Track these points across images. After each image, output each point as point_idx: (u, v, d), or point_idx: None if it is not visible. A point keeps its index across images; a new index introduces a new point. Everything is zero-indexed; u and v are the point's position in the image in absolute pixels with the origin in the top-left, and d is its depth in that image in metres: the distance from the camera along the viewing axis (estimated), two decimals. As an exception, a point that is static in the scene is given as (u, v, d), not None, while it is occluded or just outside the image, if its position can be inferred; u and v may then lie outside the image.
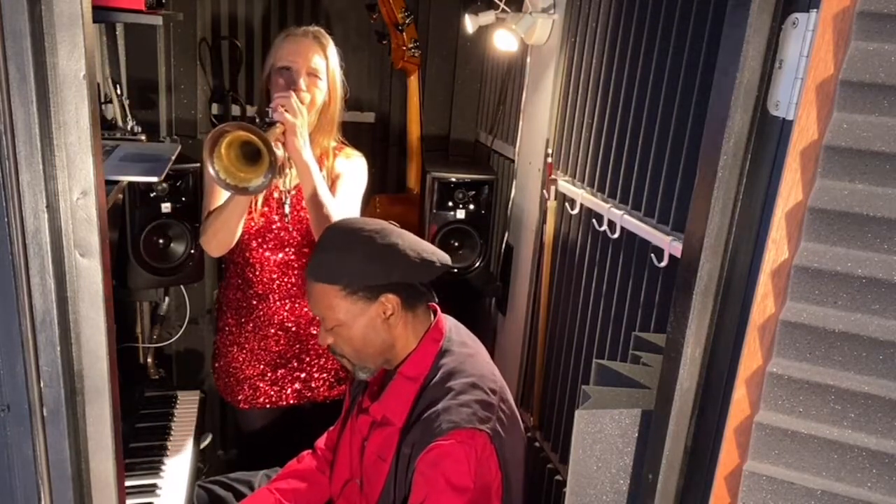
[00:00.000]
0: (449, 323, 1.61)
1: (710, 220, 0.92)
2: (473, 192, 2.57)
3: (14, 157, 0.90)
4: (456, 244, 2.59)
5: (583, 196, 1.97)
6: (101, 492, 1.08)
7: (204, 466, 2.27)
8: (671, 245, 1.51)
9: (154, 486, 1.81)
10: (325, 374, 2.16)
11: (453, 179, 2.56)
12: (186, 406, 2.23)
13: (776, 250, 0.88)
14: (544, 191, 2.20)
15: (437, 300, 1.61)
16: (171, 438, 2.04)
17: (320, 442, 1.82)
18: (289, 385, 2.13)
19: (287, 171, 1.99)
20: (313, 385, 2.15)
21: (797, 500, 0.90)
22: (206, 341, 2.93)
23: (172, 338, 2.63)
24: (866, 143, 0.83)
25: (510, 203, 2.57)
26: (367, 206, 2.48)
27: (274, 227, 1.99)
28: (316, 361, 2.14)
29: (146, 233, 2.17)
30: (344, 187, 2.00)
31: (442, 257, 1.53)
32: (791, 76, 0.85)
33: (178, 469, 1.90)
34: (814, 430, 0.89)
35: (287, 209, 1.98)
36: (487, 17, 2.34)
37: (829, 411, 0.89)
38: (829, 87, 0.84)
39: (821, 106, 0.84)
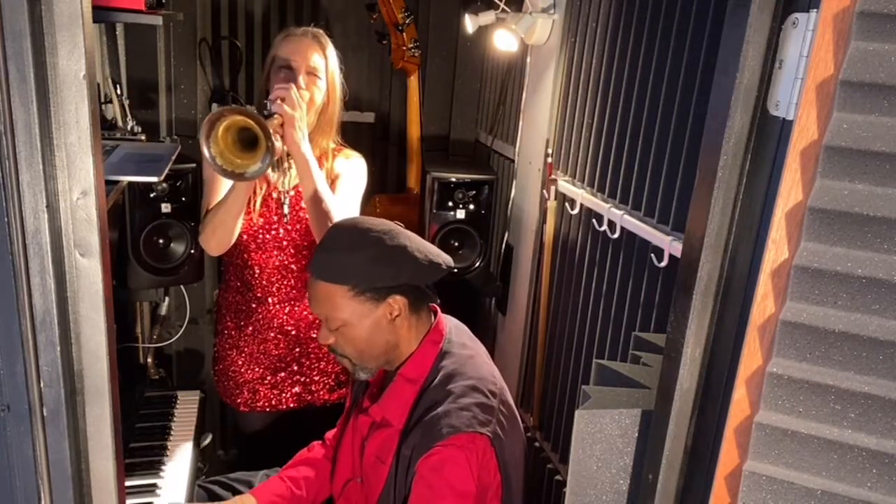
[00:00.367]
0: (449, 324, 1.61)
1: (710, 220, 0.92)
2: (473, 192, 2.57)
3: (14, 157, 0.90)
4: (456, 244, 2.60)
5: (583, 196, 1.97)
6: (101, 492, 1.08)
7: (204, 466, 2.27)
8: (671, 245, 1.51)
9: (154, 486, 1.81)
10: (325, 378, 2.15)
11: (453, 179, 2.56)
12: (186, 406, 2.23)
13: (776, 250, 0.88)
14: (544, 191, 2.20)
15: (439, 302, 1.61)
16: (171, 438, 2.04)
17: (329, 433, 1.83)
18: (289, 389, 2.13)
19: (286, 171, 1.99)
20: (313, 389, 2.15)
21: (797, 500, 0.90)
22: (206, 341, 2.93)
23: (172, 338, 2.63)
24: (866, 143, 0.83)
25: (510, 203, 2.57)
26: (367, 206, 2.47)
27: (273, 228, 1.99)
28: (316, 365, 2.13)
29: (146, 233, 2.17)
30: (343, 187, 1.99)
31: (446, 259, 1.54)
32: (791, 76, 0.85)
33: (178, 469, 1.90)
34: (814, 430, 0.89)
35: (286, 209, 1.98)
36: (487, 17, 2.34)
37: (829, 411, 0.89)
38: (829, 87, 0.84)
39: (821, 106, 0.84)
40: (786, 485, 0.90)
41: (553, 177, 2.14)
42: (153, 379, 2.57)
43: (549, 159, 2.20)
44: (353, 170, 2.05)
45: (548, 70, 2.24)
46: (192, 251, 2.25)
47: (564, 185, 2.09)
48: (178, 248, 2.25)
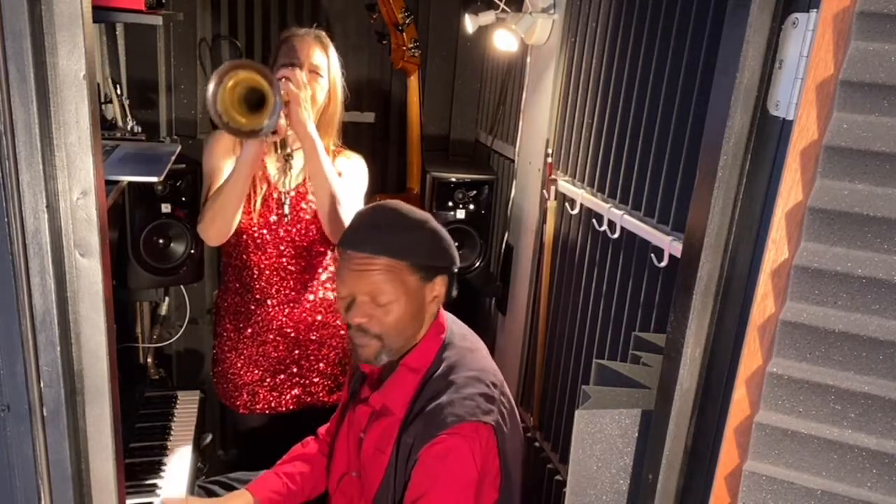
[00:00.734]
0: (449, 318, 1.63)
1: (710, 220, 0.92)
2: (473, 192, 2.57)
3: (14, 157, 0.90)
4: (456, 244, 2.58)
5: (583, 196, 1.97)
6: (101, 492, 1.08)
7: (204, 466, 2.26)
8: (671, 245, 1.51)
9: (154, 486, 1.81)
10: (324, 380, 2.15)
11: (453, 179, 2.56)
12: (186, 406, 2.22)
13: (776, 250, 0.88)
14: (544, 191, 2.20)
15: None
16: (171, 438, 2.03)
17: (322, 429, 1.84)
18: (288, 391, 2.12)
19: (287, 171, 1.99)
20: (313, 391, 2.14)
21: (797, 500, 0.90)
22: (206, 341, 2.93)
23: (172, 338, 2.63)
24: (866, 143, 0.83)
25: (510, 203, 2.57)
26: (367, 206, 2.48)
27: (272, 228, 1.98)
28: (315, 367, 2.13)
29: (146, 233, 2.17)
30: (345, 184, 1.99)
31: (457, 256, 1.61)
32: (791, 76, 0.85)
33: (178, 469, 1.89)
34: (814, 430, 0.89)
35: (286, 209, 1.98)
36: (487, 17, 2.34)
37: (829, 411, 0.89)
38: (829, 87, 0.84)
39: (821, 106, 0.84)
40: (786, 485, 0.90)
41: (553, 177, 2.14)
42: (153, 379, 2.57)
43: (549, 159, 2.20)
44: (354, 169, 2.05)
45: (548, 70, 2.24)
46: (192, 251, 2.25)
47: (564, 185, 2.09)
48: (178, 248, 2.25)
